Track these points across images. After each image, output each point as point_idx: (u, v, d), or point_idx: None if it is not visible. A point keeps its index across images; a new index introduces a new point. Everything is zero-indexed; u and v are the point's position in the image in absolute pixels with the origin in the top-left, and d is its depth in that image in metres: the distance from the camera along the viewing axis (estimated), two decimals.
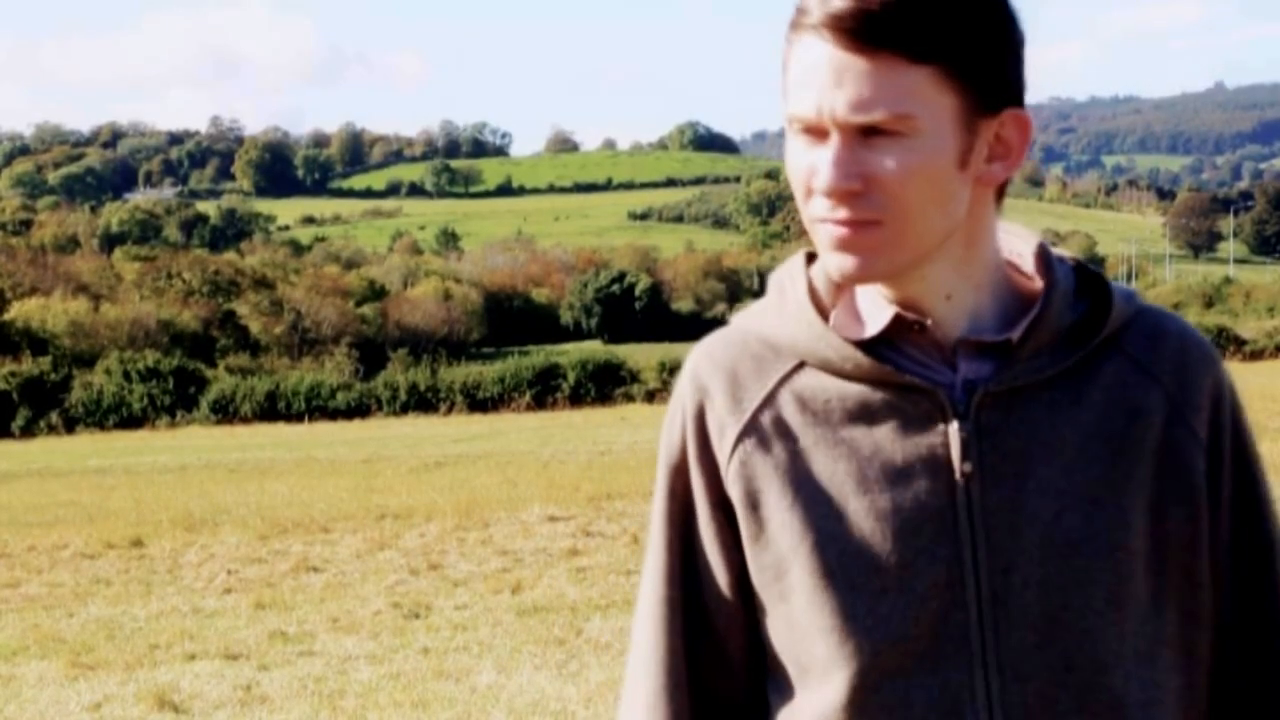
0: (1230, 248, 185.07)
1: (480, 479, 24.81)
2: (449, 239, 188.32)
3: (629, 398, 57.68)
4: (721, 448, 1.89)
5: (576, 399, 57.23)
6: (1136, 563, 1.76)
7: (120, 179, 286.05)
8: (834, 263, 1.74)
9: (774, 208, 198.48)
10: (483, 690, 9.56)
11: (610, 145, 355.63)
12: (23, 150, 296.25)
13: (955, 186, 1.72)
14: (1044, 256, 1.85)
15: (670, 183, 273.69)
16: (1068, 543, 1.74)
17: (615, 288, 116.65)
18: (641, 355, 65.28)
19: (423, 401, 57.52)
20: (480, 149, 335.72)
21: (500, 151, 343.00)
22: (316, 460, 32.61)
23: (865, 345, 1.80)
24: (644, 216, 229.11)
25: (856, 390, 1.80)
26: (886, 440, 1.78)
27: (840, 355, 1.81)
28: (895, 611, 1.77)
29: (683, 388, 1.97)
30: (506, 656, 10.56)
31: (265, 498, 23.46)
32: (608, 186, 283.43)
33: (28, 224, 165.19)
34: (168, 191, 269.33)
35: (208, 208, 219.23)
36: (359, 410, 57.49)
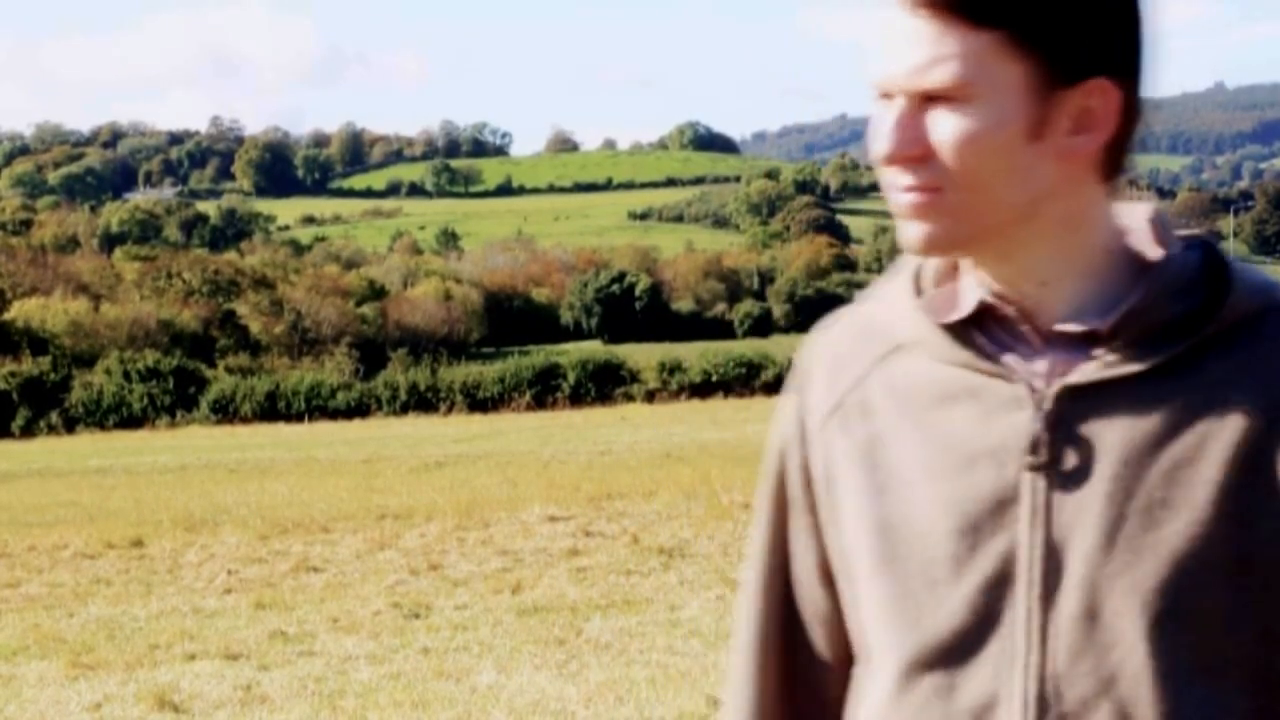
0: (1230, 247, 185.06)
1: (480, 479, 24.82)
2: (449, 239, 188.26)
3: (629, 397, 57.70)
4: (811, 428, 1.87)
5: (576, 399, 57.26)
6: (1209, 575, 1.65)
7: (120, 179, 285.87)
8: (900, 232, 1.70)
9: (774, 208, 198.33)
10: (483, 690, 9.56)
11: (610, 145, 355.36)
12: (22, 150, 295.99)
13: (1026, 159, 1.66)
14: (1160, 238, 1.76)
15: (670, 182, 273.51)
16: (1130, 549, 1.65)
17: (615, 287, 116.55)
18: (641, 355, 65.30)
19: (422, 401, 57.57)
20: (480, 149, 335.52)
21: (500, 151, 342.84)
22: (316, 460, 32.61)
23: (958, 330, 1.75)
24: (644, 216, 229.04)
25: (942, 375, 1.76)
26: (962, 428, 1.73)
27: (926, 337, 1.77)
28: (944, 604, 1.73)
29: (795, 368, 1.94)
30: (506, 656, 10.56)
31: (265, 498, 23.47)
32: (608, 186, 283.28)
33: (28, 224, 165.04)
34: (168, 191, 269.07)
35: (208, 207, 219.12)
36: (359, 410, 57.54)
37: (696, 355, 61.50)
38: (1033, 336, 1.73)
